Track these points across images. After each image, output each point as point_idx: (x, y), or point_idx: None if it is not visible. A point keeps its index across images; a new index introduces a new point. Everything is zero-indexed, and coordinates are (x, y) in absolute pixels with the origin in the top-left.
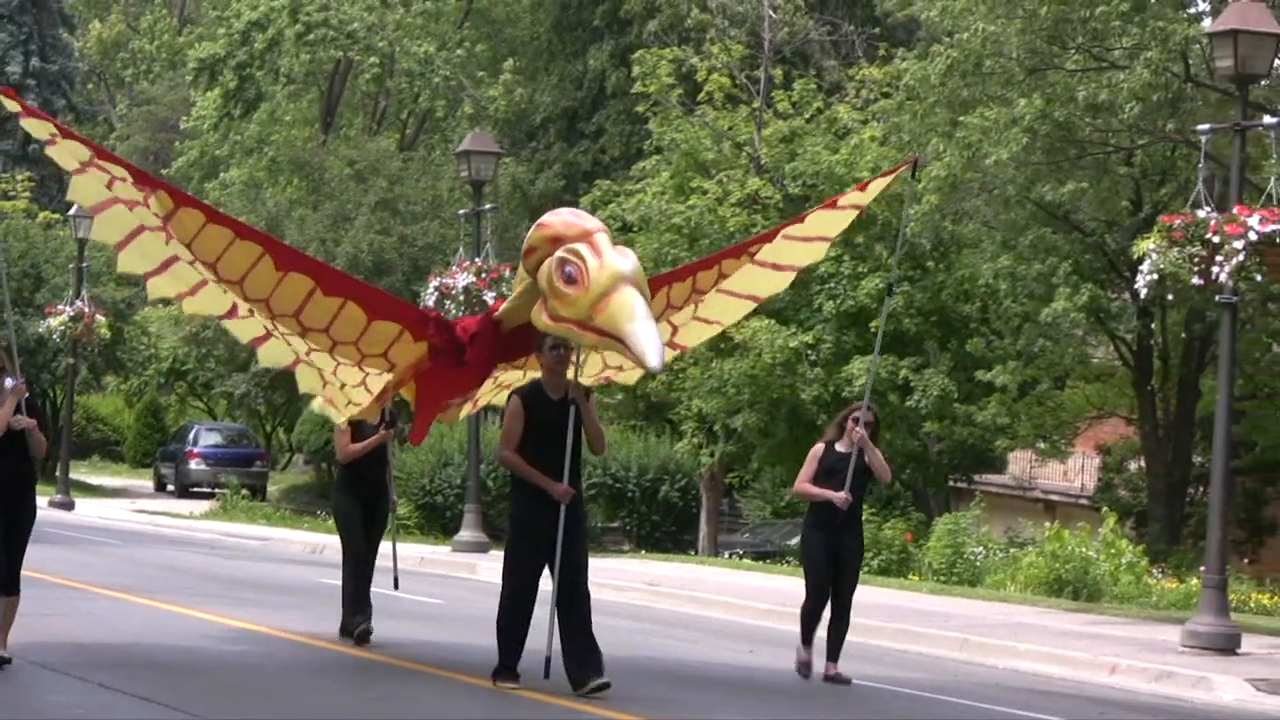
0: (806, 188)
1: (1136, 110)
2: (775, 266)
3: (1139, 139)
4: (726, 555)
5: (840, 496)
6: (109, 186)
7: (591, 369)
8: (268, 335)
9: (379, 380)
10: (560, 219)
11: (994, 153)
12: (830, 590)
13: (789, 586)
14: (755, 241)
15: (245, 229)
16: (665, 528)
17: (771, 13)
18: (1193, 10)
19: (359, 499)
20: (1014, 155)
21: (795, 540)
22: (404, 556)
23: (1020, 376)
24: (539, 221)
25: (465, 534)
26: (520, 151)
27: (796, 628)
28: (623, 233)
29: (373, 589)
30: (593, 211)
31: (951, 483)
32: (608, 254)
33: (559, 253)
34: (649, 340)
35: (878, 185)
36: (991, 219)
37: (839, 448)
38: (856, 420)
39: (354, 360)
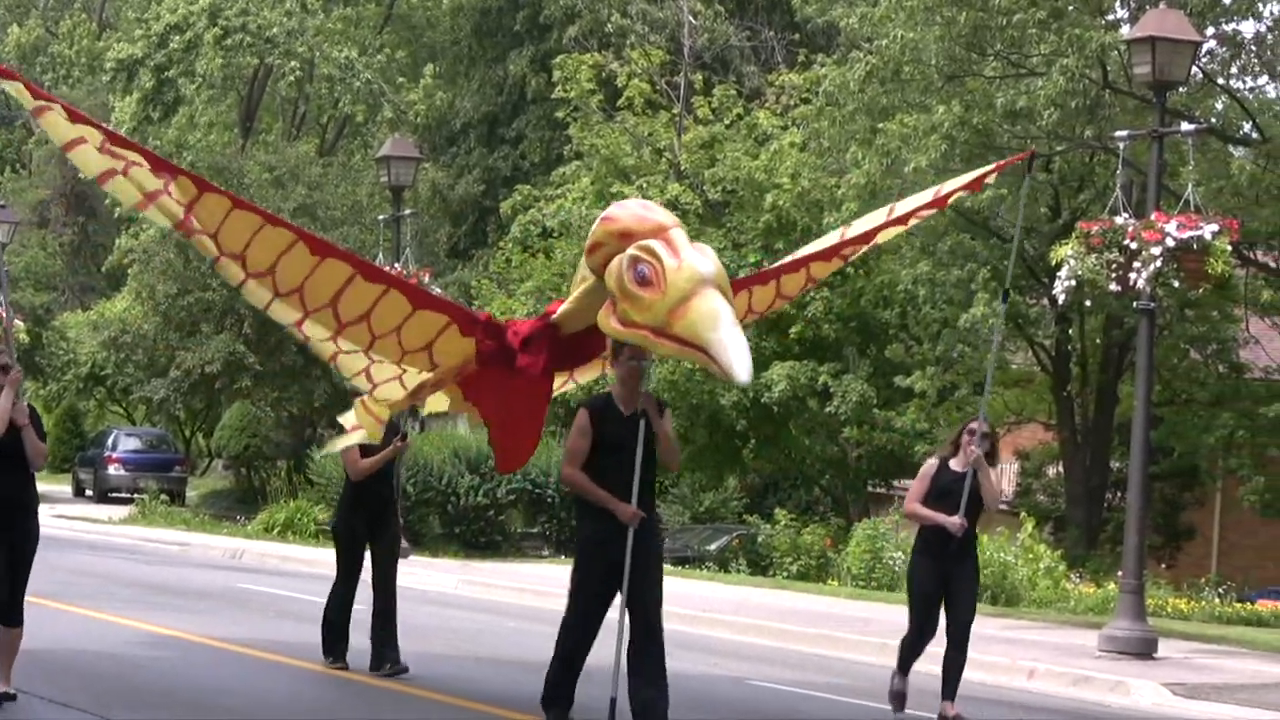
0: (726, 193)
1: (1054, 117)
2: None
3: (1057, 145)
4: None
5: (955, 522)
6: (125, 173)
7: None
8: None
9: (416, 378)
10: (629, 212)
11: (913, 159)
12: (939, 622)
13: (708, 592)
14: (850, 244)
15: (275, 216)
16: None
17: (691, 19)
18: (1110, 17)
19: (364, 518)
20: (933, 162)
21: (715, 545)
22: (321, 561)
23: (939, 382)
24: (604, 215)
25: None
26: (440, 157)
27: (711, 632)
28: (542, 238)
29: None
30: (512, 217)
31: (870, 488)
32: (686, 252)
33: (631, 250)
34: (736, 351)
35: (991, 177)
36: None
37: (954, 466)
38: (973, 435)
39: (394, 356)
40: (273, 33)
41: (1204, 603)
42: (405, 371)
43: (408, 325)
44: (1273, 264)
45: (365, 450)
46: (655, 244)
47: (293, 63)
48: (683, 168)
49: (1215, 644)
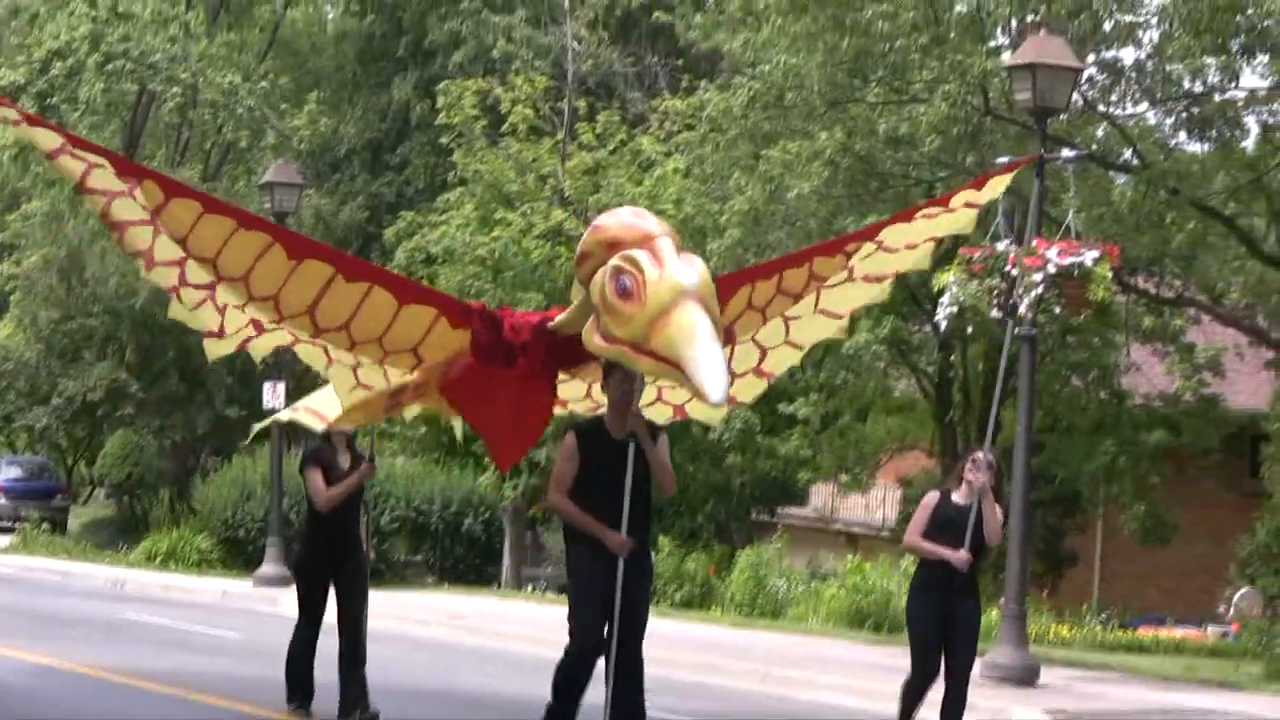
0: None
1: (937, 143)
2: (873, 279)
3: (939, 171)
4: (530, 588)
5: (959, 556)
6: (86, 175)
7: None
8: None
9: (399, 379)
10: (618, 220)
11: (796, 185)
12: (941, 663)
13: None
14: (854, 238)
15: (250, 217)
16: (469, 560)
17: (575, 44)
18: (992, 44)
19: (328, 552)
20: (816, 188)
21: None
22: (204, 590)
23: (822, 409)
24: (594, 223)
25: (267, 568)
26: (324, 183)
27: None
28: (426, 265)
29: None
30: (396, 244)
31: (754, 515)
32: (670, 263)
33: (614, 260)
34: (710, 369)
35: (999, 181)
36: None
37: (956, 498)
38: (977, 464)
39: (377, 359)
40: (155, 59)
41: (1086, 629)
42: (390, 370)
43: (393, 327)
44: (1153, 290)
45: (329, 477)
46: (639, 253)
47: (175, 89)
48: (567, 194)
49: (1097, 670)
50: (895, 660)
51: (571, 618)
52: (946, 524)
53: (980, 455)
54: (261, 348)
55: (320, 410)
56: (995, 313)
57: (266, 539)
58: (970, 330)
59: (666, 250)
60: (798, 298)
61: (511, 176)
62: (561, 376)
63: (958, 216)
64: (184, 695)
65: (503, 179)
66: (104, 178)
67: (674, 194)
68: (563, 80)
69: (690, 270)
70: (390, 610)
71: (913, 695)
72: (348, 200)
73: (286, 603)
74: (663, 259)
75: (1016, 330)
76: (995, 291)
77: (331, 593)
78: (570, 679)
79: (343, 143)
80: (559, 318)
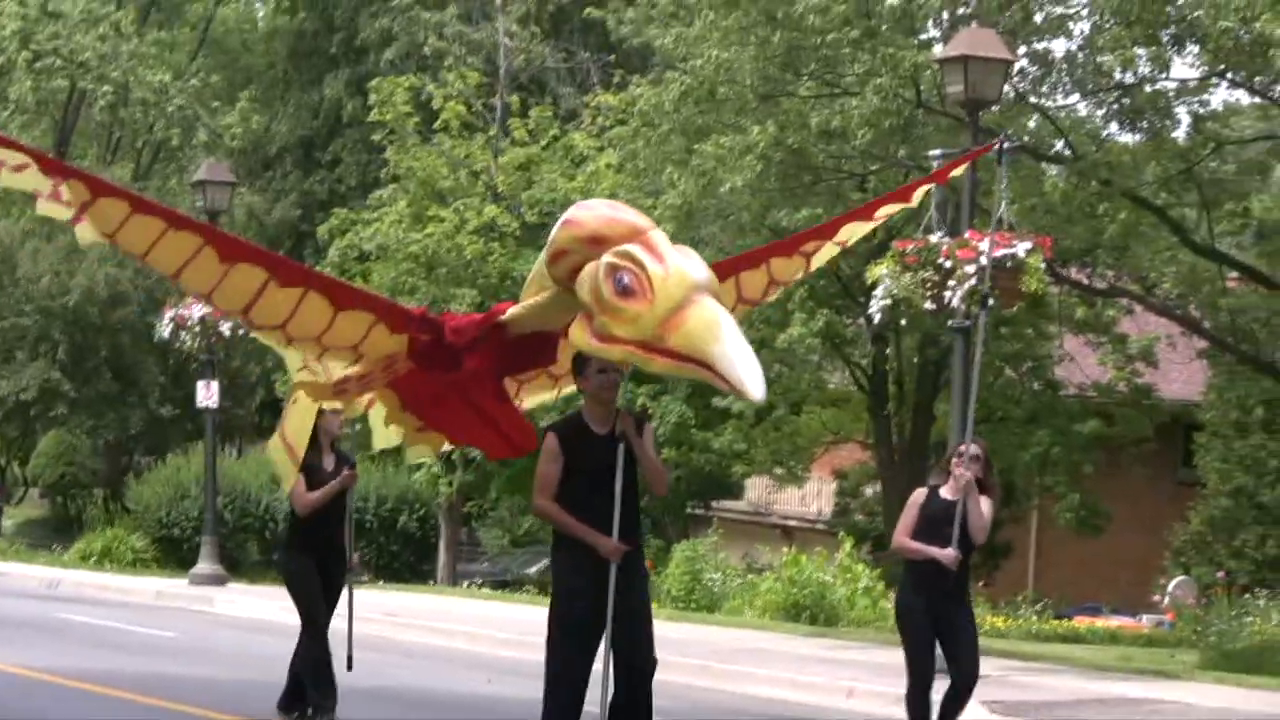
0: (543, 215)
1: (869, 136)
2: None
3: (872, 165)
4: (465, 584)
5: (949, 555)
6: (16, 171)
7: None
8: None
9: (341, 370)
10: (595, 214)
11: (729, 180)
12: (937, 666)
13: (526, 616)
14: (810, 236)
15: (181, 218)
16: (404, 557)
17: (507, 40)
18: (923, 37)
19: (314, 558)
20: (749, 182)
21: (534, 569)
22: (139, 590)
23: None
24: (566, 218)
25: (203, 566)
26: (256, 181)
27: (530, 656)
28: (360, 262)
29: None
30: (329, 241)
31: (689, 509)
32: (671, 256)
33: (607, 257)
34: (745, 364)
35: (959, 168)
36: (728, 245)
37: (944, 494)
38: (963, 457)
39: (316, 355)
40: (86, 57)
41: (1021, 620)
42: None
43: (330, 331)
44: (1086, 281)
45: (312, 480)
46: (635, 249)
47: (106, 87)
48: (500, 190)
49: (1033, 661)
50: (832, 653)
51: (554, 629)
52: (935, 521)
53: (964, 447)
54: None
55: (291, 442)
56: (929, 305)
57: (201, 538)
58: (904, 323)
59: (663, 243)
60: (756, 303)
61: (444, 173)
62: (568, 382)
63: (910, 203)
64: (123, 696)
65: (435, 175)
66: (30, 179)
67: (607, 189)
68: (495, 76)
69: (693, 263)
70: None
71: (920, 705)
72: (280, 198)
73: (222, 602)
74: (662, 253)
75: (950, 322)
76: (928, 284)
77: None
78: (565, 697)
79: (274, 140)
80: (513, 310)
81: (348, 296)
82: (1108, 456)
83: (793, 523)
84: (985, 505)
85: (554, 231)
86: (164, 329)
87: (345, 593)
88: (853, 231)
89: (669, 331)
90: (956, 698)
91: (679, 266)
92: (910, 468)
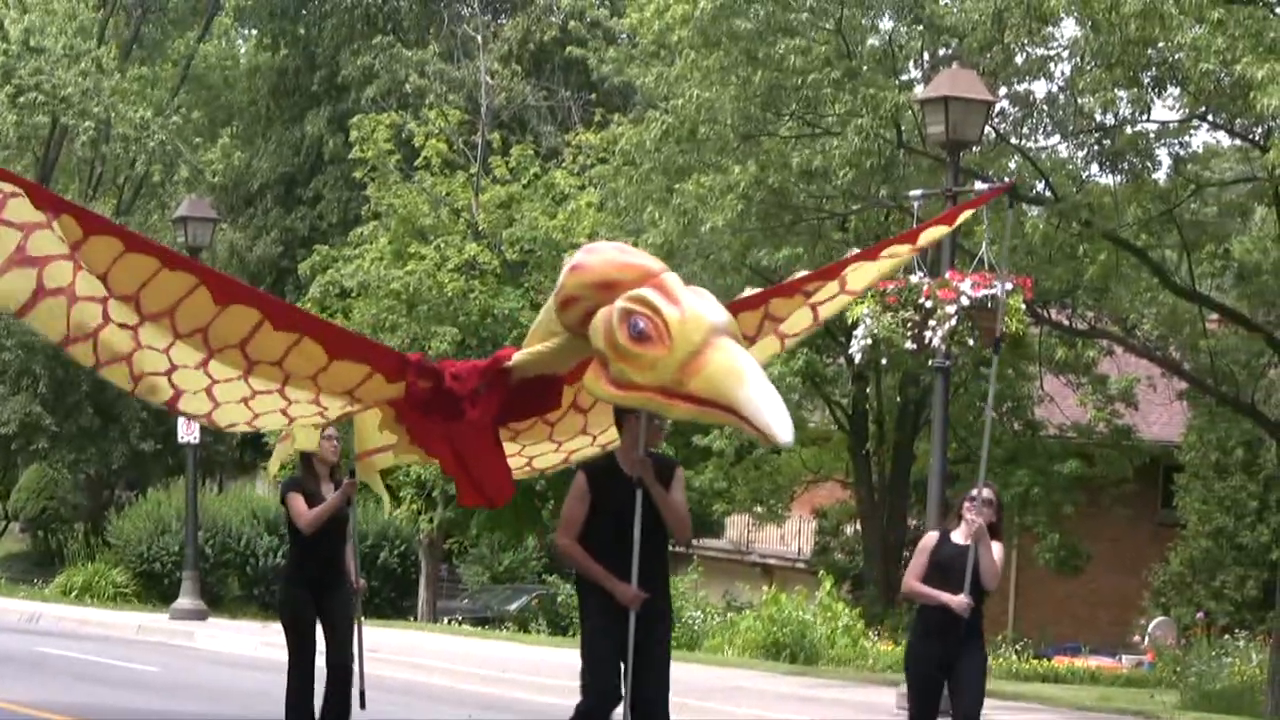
0: (524, 253)
1: (850, 176)
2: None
3: (852, 205)
4: (446, 621)
5: (960, 601)
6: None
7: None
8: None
9: (338, 410)
10: (603, 259)
11: (710, 219)
12: (936, 714)
13: (507, 653)
14: (813, 279)
15: (175, 257)
16: (384, 593)
17: (489, 79)
18: (905, 77)
19: (312, 587)
20: (729, 221)
21: (514, 605)
22: (120, 625)
23: (737, 441)
24: (573, 264)
25: (184, 601)
26: (238, 217)
27: (510, 693)
28: (341, 298)
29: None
30: (311, 277)
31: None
32: (686, 299)
33: (620, 303)
34: (772, 408)
35: (964, 215)
36: (708, 284)
37: (955, 538)
38: (973, 501)
39: (310, 397)
40: (68, 92)
41: (1001, 659)
42: (326, 408)
43: (324, 375)
44: (1066, 322)
45: (310, 499)
46: (648, 293)
47: (88, 123)
48: (480, 227)
49: (1012, 701)
50: (812, 691)
51: (584, 673)
52: (946, 566)
53: (977, 492)
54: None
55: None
56: (909, 345)
57: (182, 572)
58: (884, 362)
59: (677, 286)
60: (752, 340)
61: (425, 210)
62: (563, 429)
63: (916, 245)
64: None
65: (416, 213)
66: (21, 208)
67: (587, 227)
68: (476, 114)
69: (711, 305)
70: None
71: None
72: (261, 234)
73: (202, 636)
74: (677, 296)
75: (930, 362)
76: (909, 324)
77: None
78: None
79: (256, 177)
80: (519, 356)
81: (342, 346)
82: (1088, 497)
83: (773, 561)
84: (997, 551)
85: (561, 277)
86: None
87: (356, 626)
88: (860, 275)
89: (689, 376)
90: None
91: (695, 309)
92: (890, 506)
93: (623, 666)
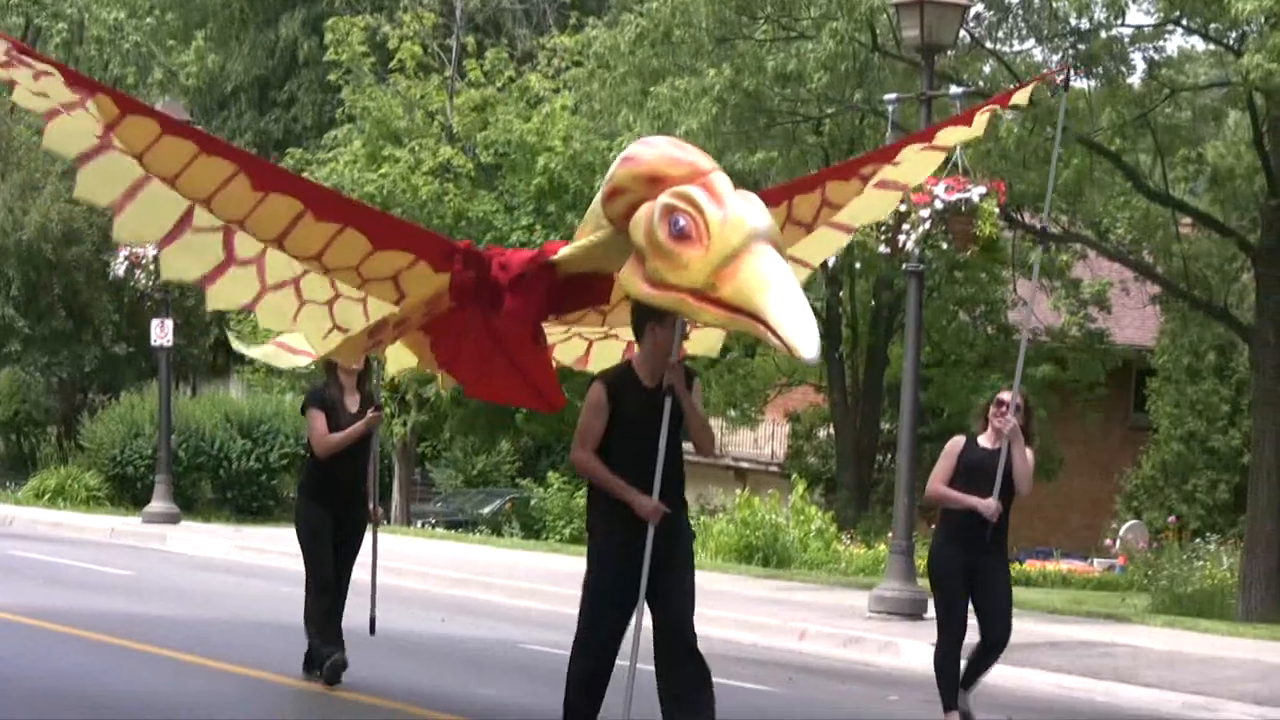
0: (498, 156)
1: (824, 80)
2: (890, 185)
3: (827, 109)
4: (419, 524)
5: (989, 505)
6: (35, 80)
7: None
8: (222, 269)
9: (380, 310)
10: (657, 151)
11: (684, 122)
12: (971, 621)
13: (480, 556)
14: (867, 160)
15: (213, 142)
16: None
17: None
18: None
19: (329, 506)
20: (704, 125)
21: (488, 508)
22: (93, 528)
23: None
24: (626, 155)
25: (156, 505)
26: (212, 120)
27: (484, 596)
28: None
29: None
30: None
31: None
32: (731, 201)
33: (663, 198)
34: (799, 322)
35: (1022, 94)
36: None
37: (983, 442)
38: (1002, 406)
39: (355, 284)
40: None
41: None
42: (368, 300)
43: (369, 261)
44: (1039, 226)
45: (333, 421)
46: (694, 190)
47: (61, 24)
48: (455, 131)
49: None
50: (786, 595)
51: (589, 590)
52: (973, 471)
53: (1005, 396)
54: (223, 296)
55: (290, 343)
56: (883, 249)
57: (155, 476)
58: (858, 266)
59: (724, 187)
60: (808, 228)
61: (399, 113)
62: (559, 334)
63: (974, 129)
64: (87, 636)
65: (390, 116)
66: (55, 88)
67: (562, 131)
68: (450, 17)
69: (757, 209)
70: (281, 548)
71: (951, 663)
72: (235, 137)
73: (175, 540)
74: (722, 197)
75: (904, 265)
76: (883, 227)
77: None
78: (593, 661)
79: (230, 80)
80: (562, 251)
81: (387, 235)
82: (1060, 401)
83: (746, 465)
84: (1030, 454)
85: (612, 167)
86: (119, 267)
87: (370, 546)
88: (914, 160)
89: (723, 281)
90: (984, 656)
91: (738, 212)
92: (863, 410)
93: (641, 586)
